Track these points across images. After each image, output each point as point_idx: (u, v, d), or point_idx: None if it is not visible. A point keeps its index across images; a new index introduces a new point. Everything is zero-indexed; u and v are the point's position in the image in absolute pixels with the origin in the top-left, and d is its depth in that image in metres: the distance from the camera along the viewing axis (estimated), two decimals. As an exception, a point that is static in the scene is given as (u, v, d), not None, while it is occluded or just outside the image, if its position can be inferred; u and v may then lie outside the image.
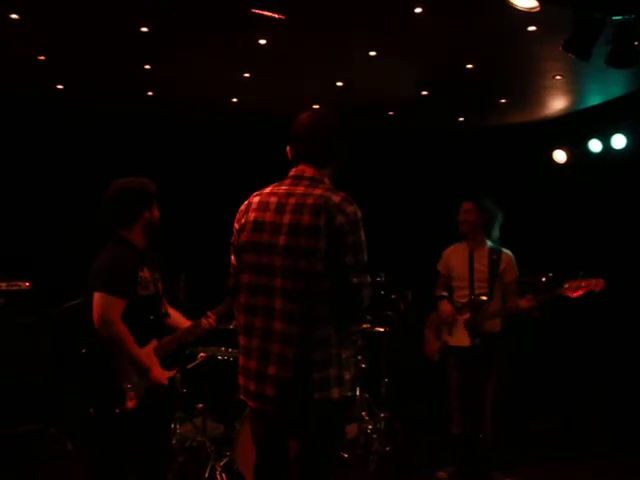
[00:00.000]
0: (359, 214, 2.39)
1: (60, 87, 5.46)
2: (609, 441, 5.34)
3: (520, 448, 5.19)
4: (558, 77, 4.98)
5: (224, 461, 4.34)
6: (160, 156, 6.17)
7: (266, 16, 3.13)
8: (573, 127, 6.07)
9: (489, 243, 4.44)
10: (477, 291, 4.31)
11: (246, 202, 2.53)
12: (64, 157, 5.88)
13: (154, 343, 3.19)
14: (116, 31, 4.25)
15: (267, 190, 2.49)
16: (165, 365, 3.22)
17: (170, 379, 3.25)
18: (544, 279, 3.95)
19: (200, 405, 4.63)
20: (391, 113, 6.23)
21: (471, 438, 4.50)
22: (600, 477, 4.80)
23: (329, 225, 2.30)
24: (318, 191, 2.38)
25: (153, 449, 3.19)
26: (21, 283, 5.24)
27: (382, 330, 5.31)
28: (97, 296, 2.98)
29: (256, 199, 2.48)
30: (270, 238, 2.38)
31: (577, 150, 5.93)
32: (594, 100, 5.75)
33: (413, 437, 5.45)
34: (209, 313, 3.51)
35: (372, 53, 4.57)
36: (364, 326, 5.33)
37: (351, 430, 4.99)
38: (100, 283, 3.01)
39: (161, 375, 3.13)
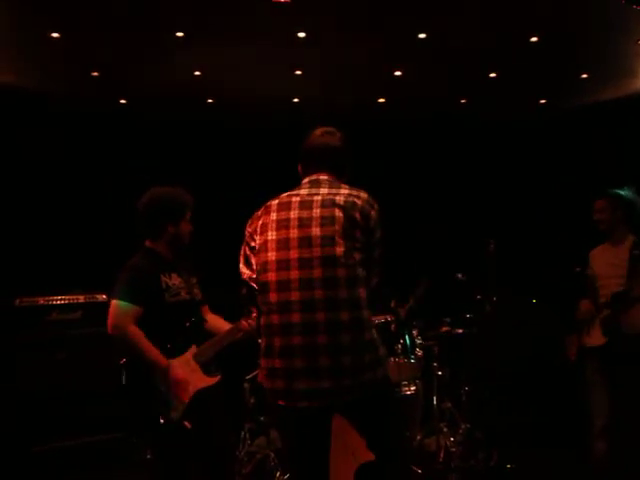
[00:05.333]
0: None
1: (123, 102, 5.56)
2: None
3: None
4: (642, 42, 4.37)
5: (288, 475, 4.16)
6: (224, 164, 6.14)
7: (272, 2, 2.92)
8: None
9: (634, 238, 4.00)
10: (617, 288, 3.88)
11: (261, 208, 2.51)
12: (133, 170, 5.95)
13: (193, 349, 3.13)
14: (154, 39, 4.21)
15: (284, 195, 2.49)
16: (207, 371, 3.15)
17: (217, 386, 3.16)
18: None
19: (264, 417, 4.48)
20: (463, 101, 5.80)
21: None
22: None
23: (365, 218, 2.38)
24: (345, 190, 2.43)
25: (210, 458, 3.14)
26: (98, 295, 5.35)
27: (461, 332, 4.94)
28: (110, 304, 3.01)
29: (274, 202, 2.47)
30: (299, 232, 2.36)
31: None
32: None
33: (498, 452, 4.97)
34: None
35: (422, 35, 4.22)
36: (443, 329, 5.01)
37: (429, 444, 4.63)
38: (114, 292, 3.02)
39: (183, 375, 3.02)
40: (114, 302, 2.98)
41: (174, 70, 4.87)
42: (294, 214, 2.38)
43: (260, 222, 2.45)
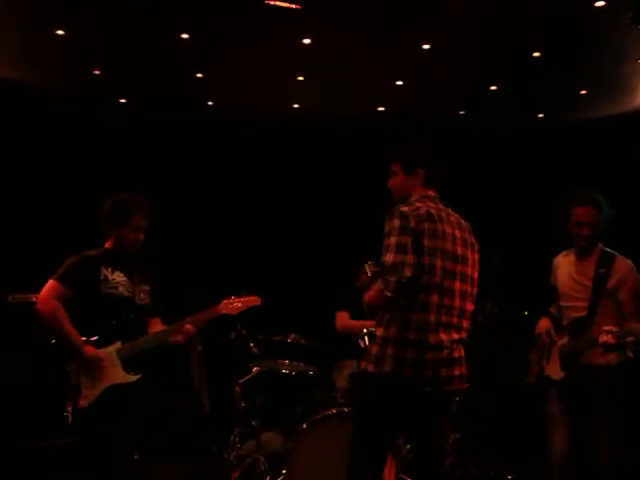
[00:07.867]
0: None
1: (123, 101, 5.56)
2: None
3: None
4: (642, 60, 4.42)
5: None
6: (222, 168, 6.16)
7: (282, 7, 2.95)
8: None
9: (602, 248, 3.43)
10: (579, 312, 3.39)
11: (423, 210, 2.64)
12: (128, 168, 5.95)
13: (117, 345, 3.16)
14: (159, 40, 4.22)
15: (432, 205, 2.70)
16: (128, 368, 3.16)
17: (138, 384, 3.15)
18: None
19: (255, 421, 4.46)
20: (462, 113, 5.84)
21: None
22: None
23: (477, 243, 2.82)
24: (453, 211, 2.80)
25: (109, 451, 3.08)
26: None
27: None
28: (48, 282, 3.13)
29: (432, 210, 2.67)
30: (462, 251, 2.71)
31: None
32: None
33: (488, 462, 4.98)
34: (186, 320, 3.35)
35: (426, 46, 4.25)
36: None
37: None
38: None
39: (97, 353, 3.07)
40: (50, 281, 3.09)
41: (176, 71, 4.88)
42: (457, 233, 2.71)
43: (427, 226, 2.61)
